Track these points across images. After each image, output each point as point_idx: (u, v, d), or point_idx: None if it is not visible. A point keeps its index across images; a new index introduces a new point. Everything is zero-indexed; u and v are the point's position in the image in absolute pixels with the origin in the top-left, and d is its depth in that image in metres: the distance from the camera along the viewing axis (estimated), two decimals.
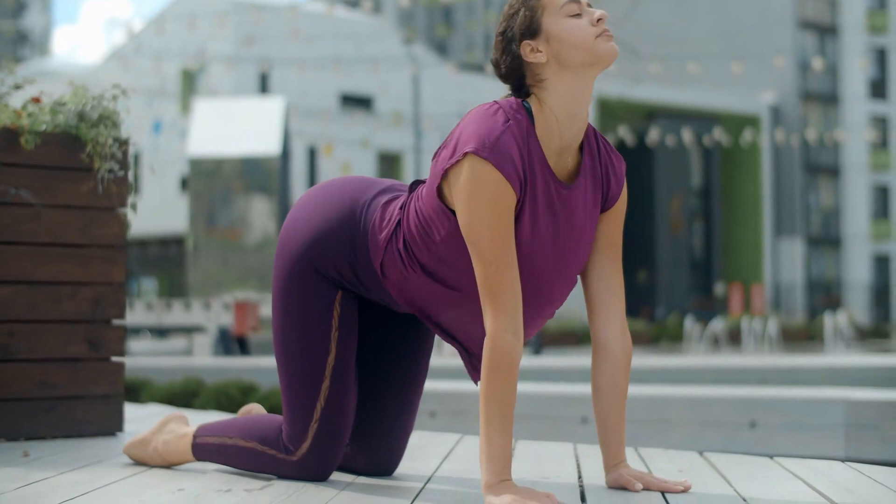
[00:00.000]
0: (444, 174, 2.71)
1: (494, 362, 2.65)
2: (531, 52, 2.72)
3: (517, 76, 2.76)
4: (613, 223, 2.88)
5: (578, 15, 2.71)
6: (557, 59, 2.70)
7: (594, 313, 2.87)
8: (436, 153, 2.77)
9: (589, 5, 2.74)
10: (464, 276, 2.78)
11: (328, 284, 2.94)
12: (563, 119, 2.73)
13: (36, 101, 4.17)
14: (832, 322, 25.72)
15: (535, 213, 2.72)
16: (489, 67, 28.74)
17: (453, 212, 2.73)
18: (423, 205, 2.79)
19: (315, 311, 2.95)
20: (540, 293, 2.81)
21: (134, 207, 4.29)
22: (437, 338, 21.21)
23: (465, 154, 2.65)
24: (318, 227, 2.95)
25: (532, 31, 2.72)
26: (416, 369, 3.16)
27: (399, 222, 2.84)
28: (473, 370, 2.93)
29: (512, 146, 2.67)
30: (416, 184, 2.90)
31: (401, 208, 2.86)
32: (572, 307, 21.31)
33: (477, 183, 2.64)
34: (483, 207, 2.64)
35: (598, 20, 2.70)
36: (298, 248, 2.96)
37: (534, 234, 2.73)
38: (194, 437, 3.24)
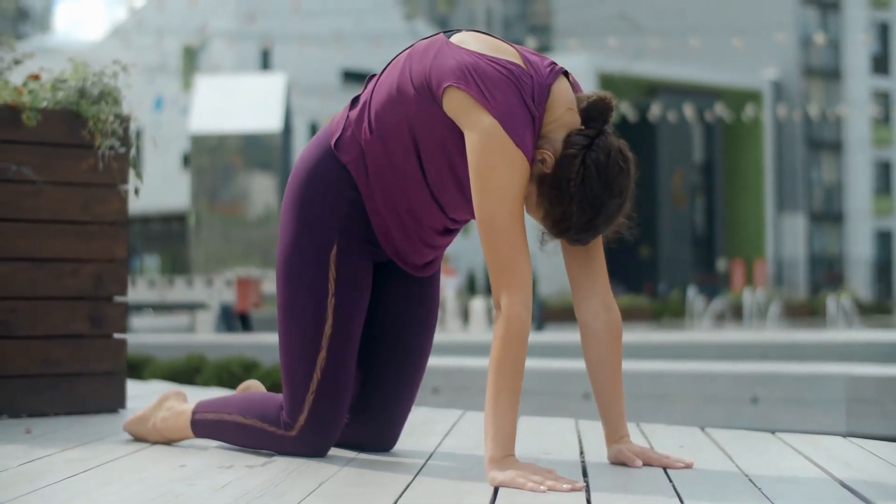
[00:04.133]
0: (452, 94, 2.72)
1: (510, 336, 2.66)
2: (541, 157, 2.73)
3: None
4: None
5: None
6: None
7: (574, 293, 2.92)
8: (416, 45, 2.82)
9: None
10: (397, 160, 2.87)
11: (329, 231, 2.94)
12: None
13: (35, 77, 4.16)
14: (835, 301, 25.67)
15: None
16: None
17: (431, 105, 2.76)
18: (404, 83, 2.81)
19: (314, 272, 2.93)
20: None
21: (140, 177, 4.29)
22: (442, 313, 21.13)
23: (497, 124, 2.66)
24: (310, 160, 2.99)
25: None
26: (420, 339, 3.16)
27: (356, 99, 2.93)
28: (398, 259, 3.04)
29: (531, 139, 2.71)
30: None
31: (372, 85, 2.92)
32: None
33: (505, 158, 2.66)
34: (509, 182, 2.67)
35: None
36: (300, 192, 2.97)
37: None
38: (193, 413, 3.24)
